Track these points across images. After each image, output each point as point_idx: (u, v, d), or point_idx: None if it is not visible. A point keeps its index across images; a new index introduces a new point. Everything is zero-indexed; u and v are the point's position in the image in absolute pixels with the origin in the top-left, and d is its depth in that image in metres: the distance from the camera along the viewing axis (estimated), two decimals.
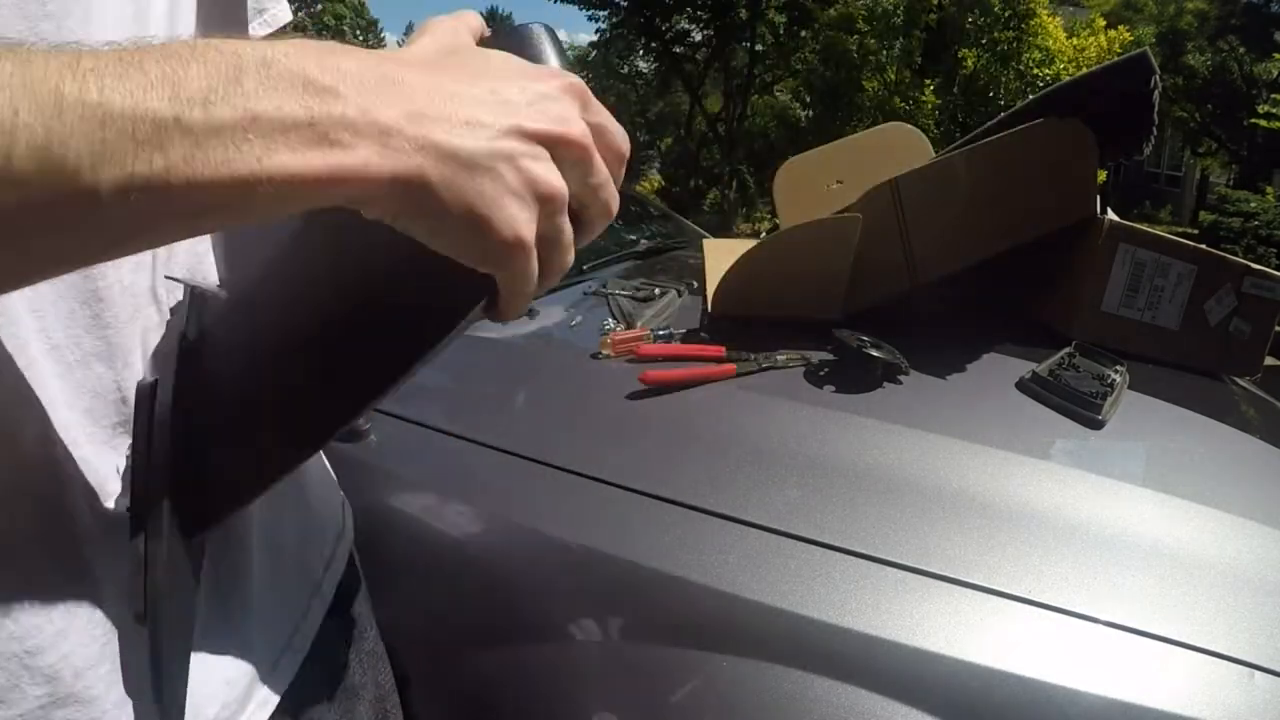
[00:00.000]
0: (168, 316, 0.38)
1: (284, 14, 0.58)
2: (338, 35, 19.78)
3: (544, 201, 0.30)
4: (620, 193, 0.35)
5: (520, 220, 0.29)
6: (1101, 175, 2.33)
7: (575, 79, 0.33)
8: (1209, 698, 0.57)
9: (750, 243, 1.15)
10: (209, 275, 0.42)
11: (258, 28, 0.56)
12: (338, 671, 0.50)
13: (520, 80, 0.31)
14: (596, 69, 19.76)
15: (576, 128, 0.31)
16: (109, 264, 0.33)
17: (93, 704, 0.33)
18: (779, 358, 0.96)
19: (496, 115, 0.29)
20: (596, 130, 0.32)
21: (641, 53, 18.29)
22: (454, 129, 0.28)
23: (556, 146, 0.30)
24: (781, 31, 14.85)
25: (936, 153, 1.21)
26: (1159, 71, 0.98)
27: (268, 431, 0.37)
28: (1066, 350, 0.98)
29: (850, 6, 11.50)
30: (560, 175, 0.30)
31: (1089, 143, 1.03)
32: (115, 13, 0.34)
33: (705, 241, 1.60)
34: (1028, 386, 0.91)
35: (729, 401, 0.88)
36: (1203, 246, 1.07)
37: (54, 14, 0.31)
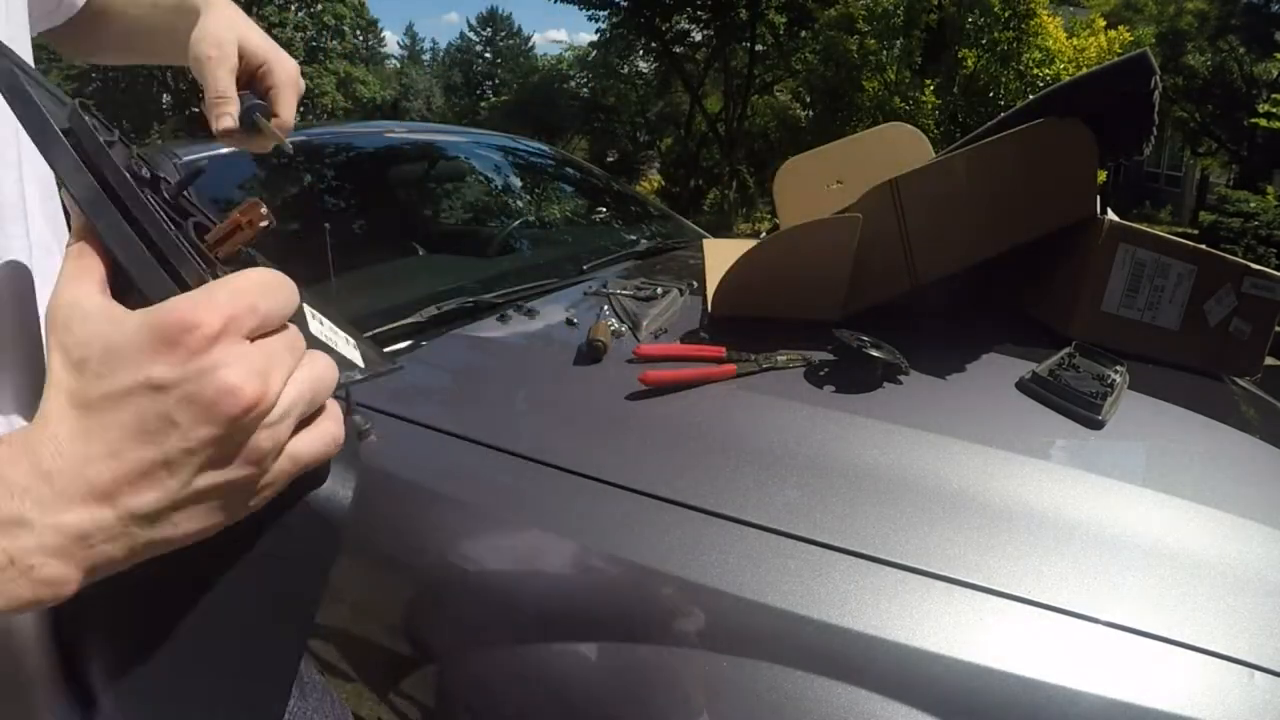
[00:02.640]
0: None
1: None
2: (338, 35, 19.79)
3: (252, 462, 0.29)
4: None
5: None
6: (1101, 175, 2.33)
7: (214, 309, 0.29)
8: (1209, 698, 0.57)
9: (750, 243, 1.15)
10: None
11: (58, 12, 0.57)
12: None
13: (158, 368, 0.28)
14: (596, 69, 19.77)
15: (249, 392, 0.28)
16: None
17: None
18: (779, 358, 0.96)
19: (164, 445, 0.28)
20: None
21: (641, 53, 18.30)
22: (137, 491, 0.28)
23: (235, 428, 0.28)
24: (781, 31, 14.86)
25: (936, 153, 1.21)
26: (1159, 71, 0.98)
27: None
28: (1066, 350, 0.99)
29: (850, 6, 11.49)
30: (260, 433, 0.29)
31: (1089, 143, 1.03)
32: None
33: (705, 241, 1.60)
34: (1028, 386, 0.91)
35: (729, 401, 0.88)
36: (1203, 246, 1.07)
37: None
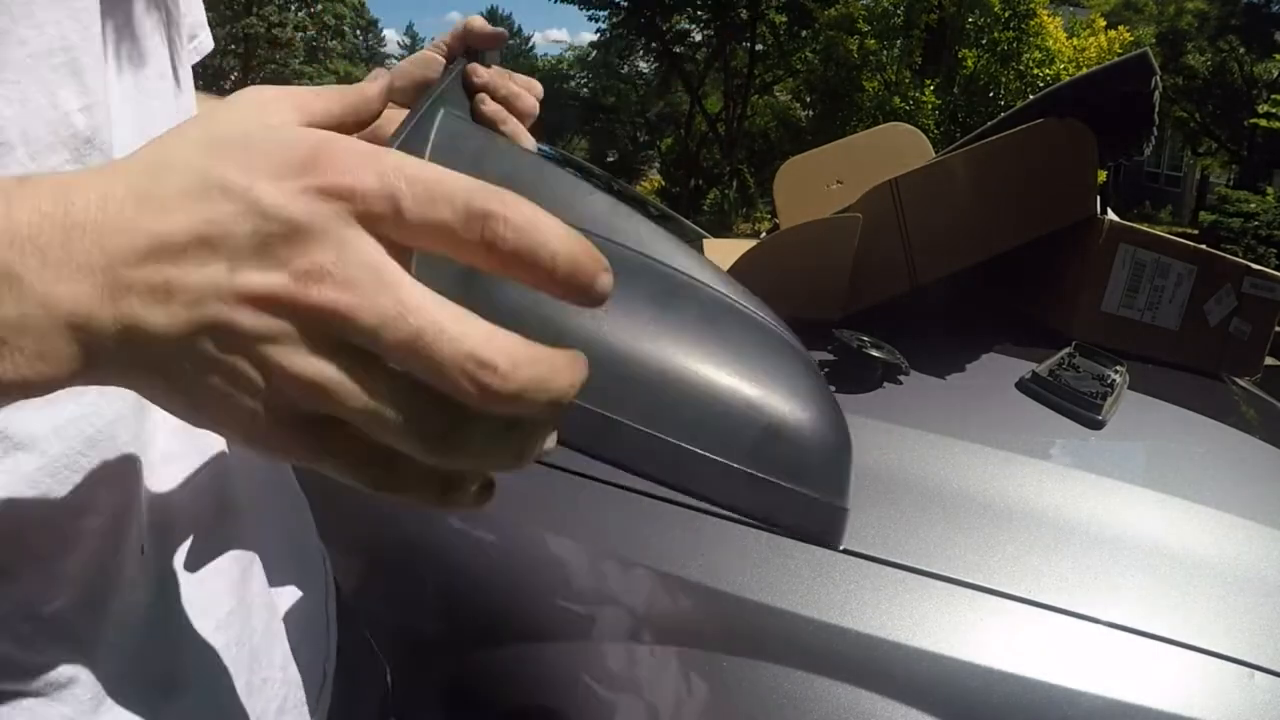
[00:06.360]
0: None
1: (208, 44, 0.55)
2: (338, 35, 19.79)
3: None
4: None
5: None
6: (1101, 175, 2.33)
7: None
8: (1209, 698, 0.57)
9: (750, 243, 1.15)
10: None
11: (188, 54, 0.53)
12: None
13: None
14: (596, 69, 19.80)
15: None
16: None
17: None
18: None
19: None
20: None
21: (641, 53, 18.32)
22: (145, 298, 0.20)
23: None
24: (782, 31, 14.87)
25: (936, 153, 1.21)
26: (1159, 71, 0.98)
27: None
28: (1066, 350, 0.98)
29: (850, 6, 11.51)
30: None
31: (1089, 143, 1.03)
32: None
33: (705, 241, 1.60)
34: (1028, 386, 0.91)
35: None
36: (1203, 246, 1.07)
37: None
